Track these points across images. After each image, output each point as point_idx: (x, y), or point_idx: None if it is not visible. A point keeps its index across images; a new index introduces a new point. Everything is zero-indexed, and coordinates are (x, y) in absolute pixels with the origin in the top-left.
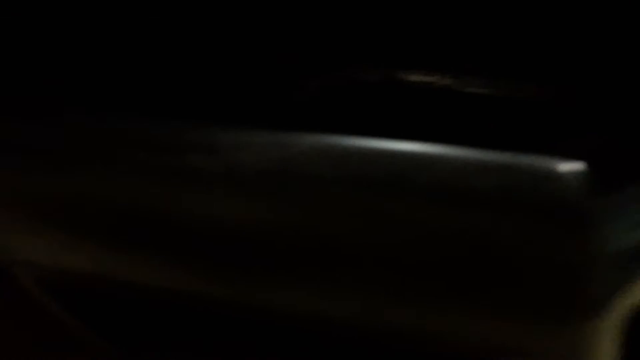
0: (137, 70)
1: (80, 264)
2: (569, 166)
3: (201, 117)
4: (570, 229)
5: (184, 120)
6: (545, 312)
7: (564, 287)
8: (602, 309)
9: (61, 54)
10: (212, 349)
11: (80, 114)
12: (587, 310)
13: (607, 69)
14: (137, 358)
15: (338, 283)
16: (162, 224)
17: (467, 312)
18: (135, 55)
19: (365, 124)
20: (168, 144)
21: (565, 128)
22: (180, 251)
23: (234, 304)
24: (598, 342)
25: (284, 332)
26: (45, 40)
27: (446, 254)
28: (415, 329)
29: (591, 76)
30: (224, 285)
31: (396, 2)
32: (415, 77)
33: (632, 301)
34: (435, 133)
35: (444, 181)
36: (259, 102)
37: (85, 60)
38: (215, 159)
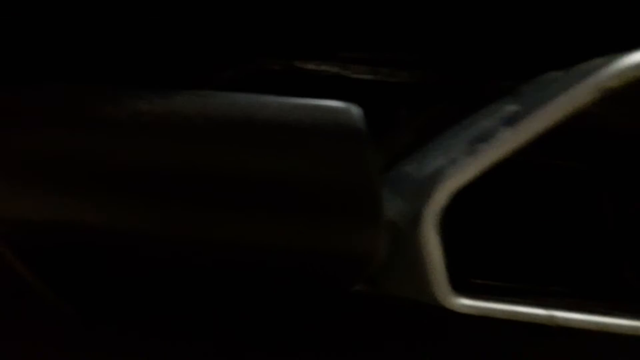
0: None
1: (27, 210)
2: (352, 105)
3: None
4: (354, 149)
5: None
6: (341, 218)
7: (351, 197)
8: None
9: None
10: (174, 316)
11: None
12: (371, 215)
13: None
14: (102, 324)
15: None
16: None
17: (283, 220)
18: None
19: None
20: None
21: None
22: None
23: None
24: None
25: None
26: None
27: (269, 170)
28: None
29: (451, 64)
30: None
31: (293, 5)
32: (310, 66)
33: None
34: None
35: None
36: (184, 85)
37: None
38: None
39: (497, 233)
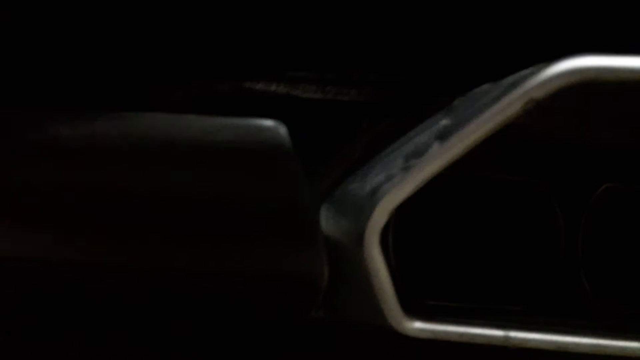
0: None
1: None
2: (276, 123)
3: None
4: (280, 167)
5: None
6: (271, 240)
7: (281, 217)
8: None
9: None
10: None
11: None
12: (304, 235)
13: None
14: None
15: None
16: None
17: (210, 244)
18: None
19: None
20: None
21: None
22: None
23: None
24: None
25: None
26: None
27: (193, 192)
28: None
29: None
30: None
31: (242, 28)
32: (259, 86)
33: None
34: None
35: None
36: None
37: None
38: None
39: (450, 251)
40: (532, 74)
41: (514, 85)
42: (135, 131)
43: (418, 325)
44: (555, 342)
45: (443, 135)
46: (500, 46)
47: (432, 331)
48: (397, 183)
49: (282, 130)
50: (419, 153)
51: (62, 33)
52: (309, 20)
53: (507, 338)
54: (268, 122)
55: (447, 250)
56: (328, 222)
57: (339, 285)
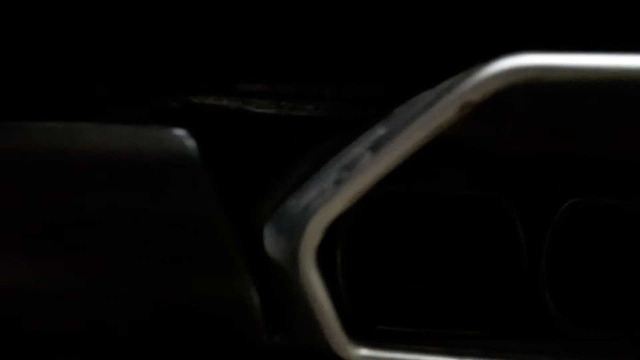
0: None
1: None
2: (182, 131)
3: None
4: (183, 179)
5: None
6: (179, 259)
7: (188, 234)
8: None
9: None
10: None
11: None
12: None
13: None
14: None
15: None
16: None
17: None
18: None
19: None
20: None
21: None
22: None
23: None
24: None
25: None
26: None
27: (90, 209)
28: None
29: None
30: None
31: (188, 39)
32: (209, 101)
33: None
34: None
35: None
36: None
37: None
38: None
39: (404, 272)
40: (467, 75)
41: (449, 88)
42: (23, 141)
43: (364, 352)
44: None
45: (376, 146)
46: (449, 58)
47: (379, 358)
48: (329, 198)
49: (188, 140)
50: (352, 165)
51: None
52: (263, 30)
53: None
54: (173, 131)
55: (401, 271)
56: (269, 242)
57: (291, 309)
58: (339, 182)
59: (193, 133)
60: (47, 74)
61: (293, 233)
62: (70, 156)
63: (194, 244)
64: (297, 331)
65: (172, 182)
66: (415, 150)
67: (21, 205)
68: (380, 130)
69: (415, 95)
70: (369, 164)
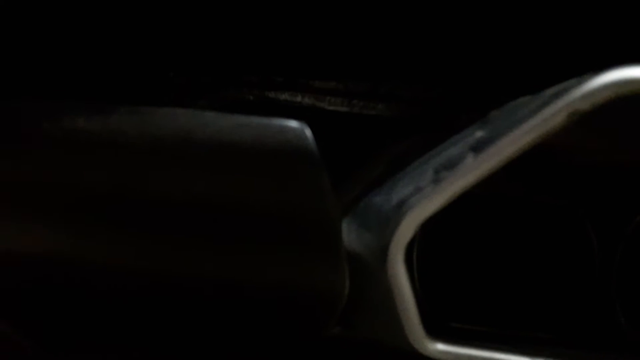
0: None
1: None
2: (301, 124)
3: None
4: (303, 170)
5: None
6: (289, 246)
7: (300, 223)
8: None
9: None
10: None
11: None
12: (325, 243)
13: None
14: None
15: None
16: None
17: (223, 250)
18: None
19: None
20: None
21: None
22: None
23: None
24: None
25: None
26: None
27: (209, 194)
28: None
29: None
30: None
31: (267, 36)
32: (284, 97)
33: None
34: None
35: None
36: None
37: None
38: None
39: (478, 274)
40: (578, 83)
41: (557, 95)
42: (149, 127)
43: (441, 347)
44: None
45: (478, 147)
46: (530, 61)
47: (456, 354)
48: (427, 195)
49: (307, 132)
50: (451, 165)
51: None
52: (337, 30)
53: None
54: (292, 123)
55: (474, 273)
56: (349, 236)
57: (358, 302)
58: (437, 181)
59: None
60: (131, 64)
61: (383, 228)
62: (190, 144)
63: (306, 232)
64: (360, 323)
65: (289, 173)
66: (518, 155)
67: (144, 191)
68: (479, 133)
69: (479, 99)
70: (472, 164)
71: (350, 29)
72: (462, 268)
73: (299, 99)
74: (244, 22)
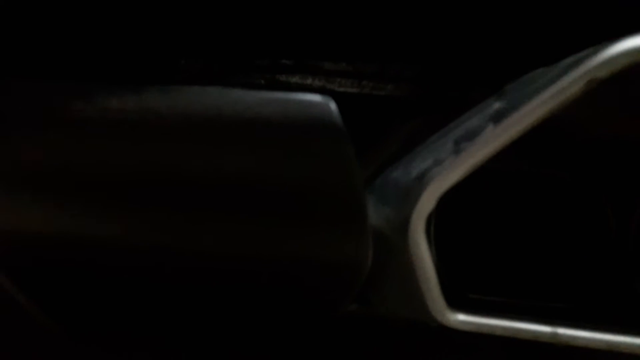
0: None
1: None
2: (326, 98)
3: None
4: (331, 144)
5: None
6: (318, 220)
7: (329, 197)
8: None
9: None
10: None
11: None
12: (353, 217)
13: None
14: (88, 342)
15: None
16: None
17: (254, 224)
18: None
19: None
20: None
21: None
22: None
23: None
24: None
25: None
26: None
27: (240, 169)
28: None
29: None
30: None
31: (277, 19)
32: (295, 79)
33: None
34: None
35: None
36: None
37: None
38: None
39: (494, 246)
40: (595, 52)
41: (575, 64)
42: (180, 104)
43: (462, 317)
44: (607, 341)
45: (497, 118)
46: (534, 41)
47: (476, 324)
48: (448, 166)
49: (333, 106)
50: (471, 136)
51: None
52: (347, 12)
53: (554, 334)
54: (318, 98)
55: (492, 246)
56: (369, 211)
57: (377, 277)
58: (458, 152)
59: None
60: (142, 52)
61: (404, 201)
62: (221, 119)
63: (333, 206)
64: (377, 299)
65: (317, 147)
66: (537, 124)
67: (171, 164)
68: (497, 104)
69: (487, 79)
70: (492, 134)
71: (357, 10)
72: (479, 241)
73: (309, 81)
74: (253, 6)
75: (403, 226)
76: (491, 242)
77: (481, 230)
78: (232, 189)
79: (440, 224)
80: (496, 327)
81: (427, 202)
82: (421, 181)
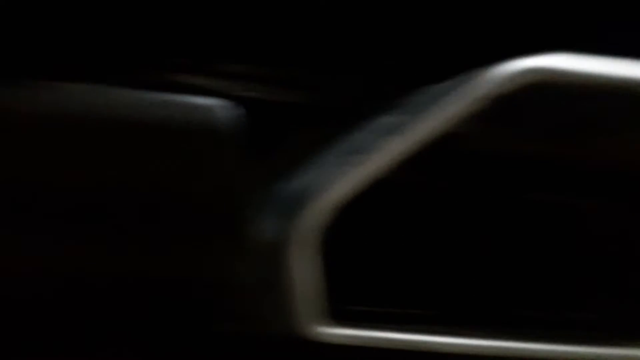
0: None
1: None
2: (218, 102)
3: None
4: (210, 150)
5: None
6: (190, 232)
7: (204, 207)
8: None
9: None
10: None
11: None
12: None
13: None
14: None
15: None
16: None
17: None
18: None
19: None
20: None
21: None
22: None
23: None
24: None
25: None
26: None
27: (109, 174)
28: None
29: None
30: None
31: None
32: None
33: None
34: None
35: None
36: None
37: None
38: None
39: (391, 257)
40: (490, 70)
41: (469, 80)
42: (47, 102)
43: (330, 330)
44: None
45: (390, 132)
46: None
47: (347, 336)
48: (335, 180)
49: (222, 111)
50: (359, 150)
51: None
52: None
53: (415, 343)
54: (207, 101)
55: (389, 257)
56: (257, 224)
57: (256, 292)
58: (345, 166)
59: None
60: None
61: (289, 213)
62: (94, 121)
63: (209, 218)
64: (250, 315)
65: (193, 154)
66: (431, 139)
67: (30, 169)
68: (390, 119)
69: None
70: (382, 148)
71: (253, 14)
72: (377, 253)
73: (213, 83)
74: (154, 8)
75: (284, 241)
76: (388, 254)
77: (379, 242)
78: (97, 195)
79: (337, 237)
80: (368, 338)
81: (310, 215)
82: (305, 194)
